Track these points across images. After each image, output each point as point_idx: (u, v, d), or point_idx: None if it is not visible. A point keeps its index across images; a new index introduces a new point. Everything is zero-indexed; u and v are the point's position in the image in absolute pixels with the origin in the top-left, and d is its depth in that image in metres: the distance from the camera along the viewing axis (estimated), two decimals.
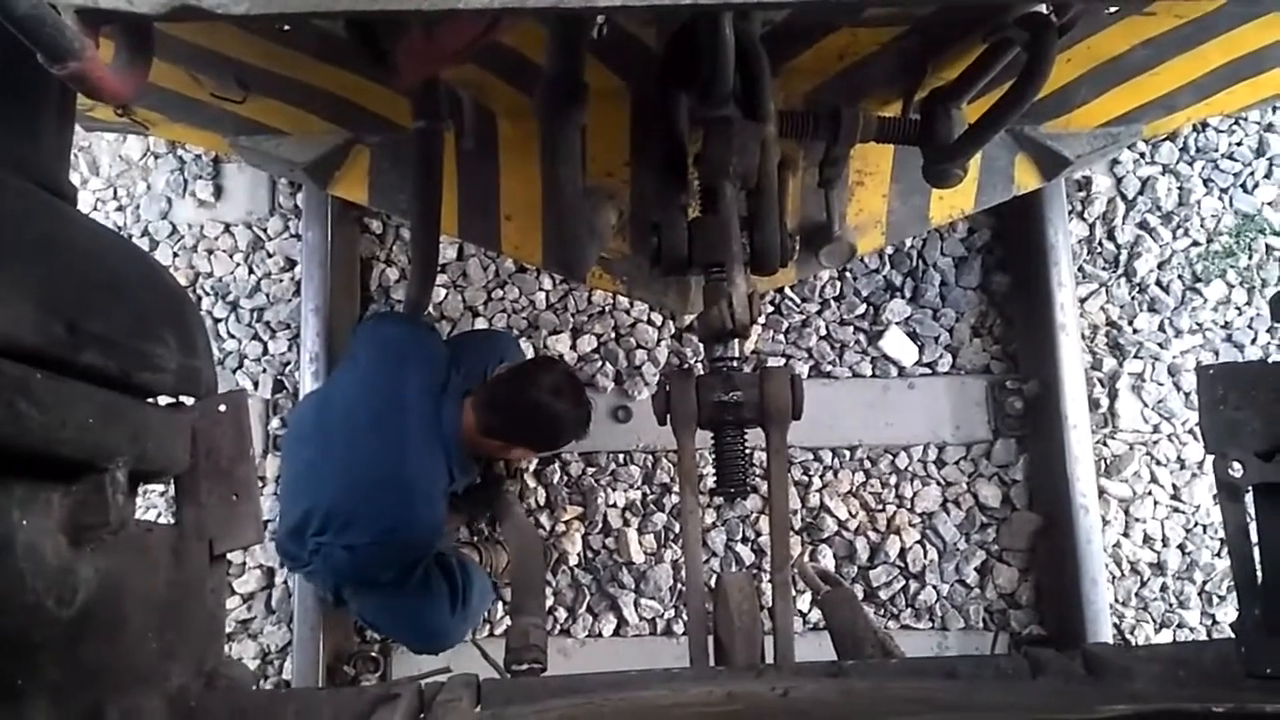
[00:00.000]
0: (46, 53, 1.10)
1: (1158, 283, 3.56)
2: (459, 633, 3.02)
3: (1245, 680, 1.34)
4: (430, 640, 3.01)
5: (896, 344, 3.52)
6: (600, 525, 3.44)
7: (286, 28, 2.10)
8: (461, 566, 3.00)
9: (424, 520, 2.73)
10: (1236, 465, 1.37)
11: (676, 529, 3.41)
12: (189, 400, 1.39)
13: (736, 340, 2.13)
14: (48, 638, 1.06)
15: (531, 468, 3.45)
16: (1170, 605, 3.40)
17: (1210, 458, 1.41)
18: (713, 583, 2.40)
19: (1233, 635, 1.40)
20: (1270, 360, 3.28)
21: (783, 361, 3.52)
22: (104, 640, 1.17)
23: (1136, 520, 3.43)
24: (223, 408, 1.41)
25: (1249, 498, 1.38)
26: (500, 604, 3.39)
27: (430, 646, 3.03)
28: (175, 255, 3.64)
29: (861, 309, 3.56)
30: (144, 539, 1.28)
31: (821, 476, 3.47)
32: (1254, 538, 1.39)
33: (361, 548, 2.64)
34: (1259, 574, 1.37)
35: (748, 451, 2.17)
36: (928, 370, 3.54)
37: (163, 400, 1.34)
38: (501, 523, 3.30)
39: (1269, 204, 3.60)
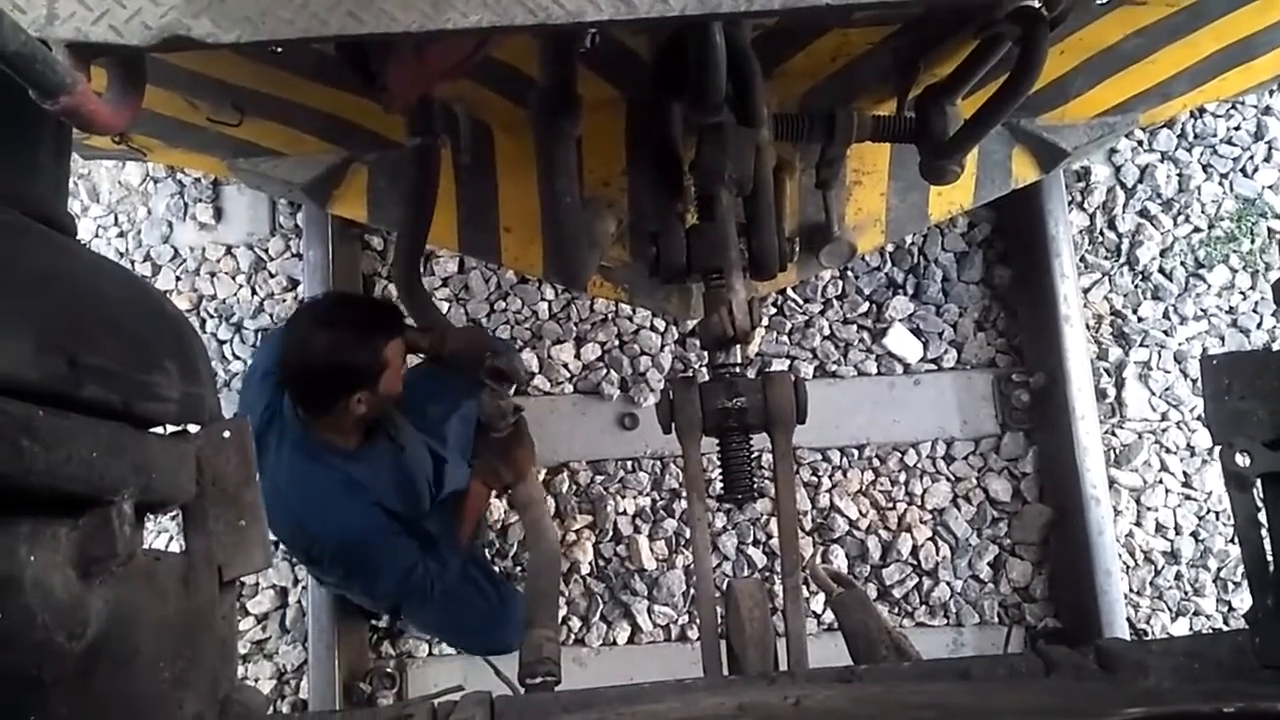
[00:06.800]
0: (38, 89, 1.10)
1: (1160, 270, 3.55)
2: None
3: (1261, 671, 1.33)
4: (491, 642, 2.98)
5: (901, 341, 3.52)
6: (611, 533, 3.45)
7: (279, 50, 2.10)
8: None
9: (379, 556, 2.68)
10: (1244, 455, 1.35)
11: (687, 534, 3.41)
12: (193, 428, 1.39)
13: (738, 346, 2.13)
14: (59, 673, 1.06)
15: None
16: (1185, 593, 3.39)
17: (1218, 447, 1.41)
18: (724, 588, 2.40)
19: (1247, 626, 1.39)
20: (1274, 348, 3.26)
21: (787, 363, 3.52)
22: (116, 672, 1.17)
23: (1148, 509, 3.42)
24: (226, 434, 1.41)
25: (1257, 487, 1.37)
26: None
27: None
28: (178, 279, 3.66)
29: (864, 307, 3.56)
30: (153, 569, 1.28)
31: (831, 476, 3.47)
32: (1264, 527, 1.38)
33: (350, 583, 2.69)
34: (1270, 563, 1.36)
35: (754, 455, 2.17)
36: (933, 366, 3.54)
37: (166, 429, 1.34)
38: (529, 536, 3.10)
39: (1269, 188, 3.59)
